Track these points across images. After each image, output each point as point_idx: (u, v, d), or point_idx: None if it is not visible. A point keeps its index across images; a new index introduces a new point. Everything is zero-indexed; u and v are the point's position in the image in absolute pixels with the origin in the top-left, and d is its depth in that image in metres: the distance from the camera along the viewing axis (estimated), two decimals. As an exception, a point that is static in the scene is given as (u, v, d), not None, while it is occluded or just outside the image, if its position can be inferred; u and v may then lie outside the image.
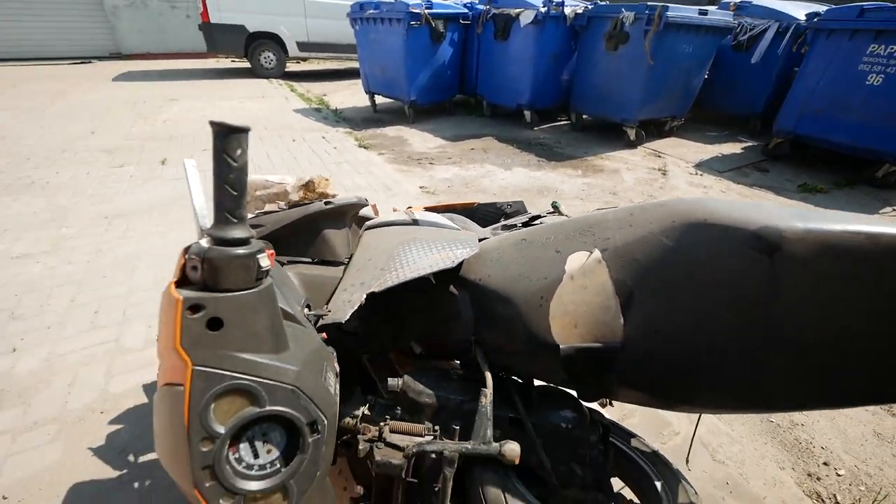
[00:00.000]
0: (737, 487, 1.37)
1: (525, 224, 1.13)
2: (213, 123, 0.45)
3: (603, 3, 5.27)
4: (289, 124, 5.33)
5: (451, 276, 0.78)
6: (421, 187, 3.63)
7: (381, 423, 0.68)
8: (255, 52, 8.40)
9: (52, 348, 1.76)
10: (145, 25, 10.69)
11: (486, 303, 0.74)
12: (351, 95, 7.33)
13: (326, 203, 0.97)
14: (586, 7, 4.80)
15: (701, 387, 0.58)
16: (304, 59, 9.45)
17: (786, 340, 0.50)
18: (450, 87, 5.94)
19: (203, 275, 0.47)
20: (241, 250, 0.47)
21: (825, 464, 1.48)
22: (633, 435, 0.85)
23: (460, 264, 0.77)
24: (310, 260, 0.96)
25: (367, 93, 6.21)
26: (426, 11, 4.97)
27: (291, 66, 9.79)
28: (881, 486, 1.41)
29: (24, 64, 9.39)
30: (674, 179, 4.03)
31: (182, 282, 0.49)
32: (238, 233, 0.48)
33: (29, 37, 9.91)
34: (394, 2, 5.08)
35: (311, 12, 8.39)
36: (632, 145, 4.87)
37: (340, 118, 5.84)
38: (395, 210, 1.26)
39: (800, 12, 4.56)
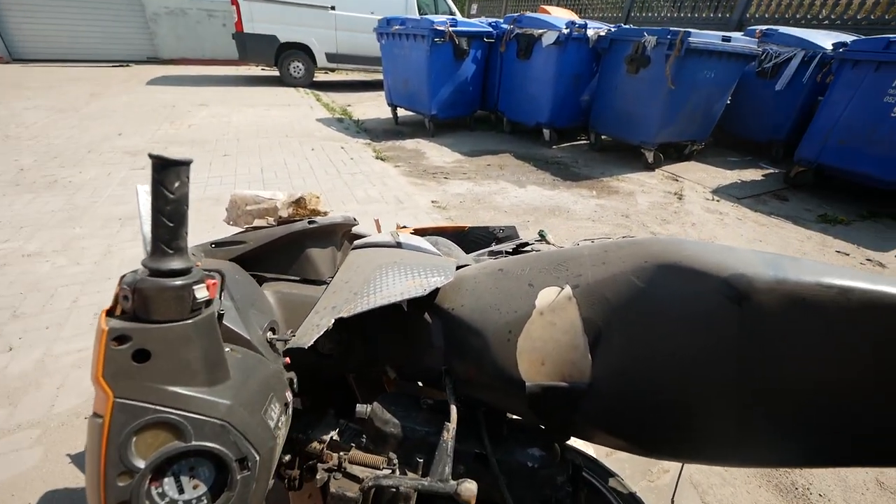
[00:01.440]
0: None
1: (513, 251, 1.10)
2: (151, 156, 0.44)
3: (626, 26, 5.25)
4: (310, 133, 5.43)
5: (426, 303, 0.77)
6: (433, 202, 3.62)
7: (342, 453, 0.66)
8: (284, 61, 8.65)
9: (48, 349, 1.79)
10: (183, 33, 11.17)
11: (457, 332, 0.73)
12: (374, 107, 7.44)
13: (310, 222, 0.96)
14: (609, 30, 4.78)
15: (671, 435, 0.55)
16: (332, 70, 9.68)
17: (757, 393, 0.48)
18: (471, 103, 5.98)
19: (133, 305, 0.46)
20: (175, 281, 0.46)
21: (824, 517, 1.39)
22: (612, 474, 0.82)
23: (435, 291, 0.75)
24: (293, 278, 0.95)
25: (389, 105, 6.30)
26: (450, 29, 5.03)
27: (319, 76, 10.00)
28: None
29: (63, 65, 9.83)
30: (689, 204, 3.92)
31: (116, 310, 0.48)
32: (174, 264, 0.47)
33: (68, 39, 10.33)
34: (419, 19, 5.18)
35: (341, 25, 8.62)
36: (650, 168, 4.79)
37: (361, 129, 5.92)
38: (392, 229, 1.24)
39: (826, 42, 4.46)
